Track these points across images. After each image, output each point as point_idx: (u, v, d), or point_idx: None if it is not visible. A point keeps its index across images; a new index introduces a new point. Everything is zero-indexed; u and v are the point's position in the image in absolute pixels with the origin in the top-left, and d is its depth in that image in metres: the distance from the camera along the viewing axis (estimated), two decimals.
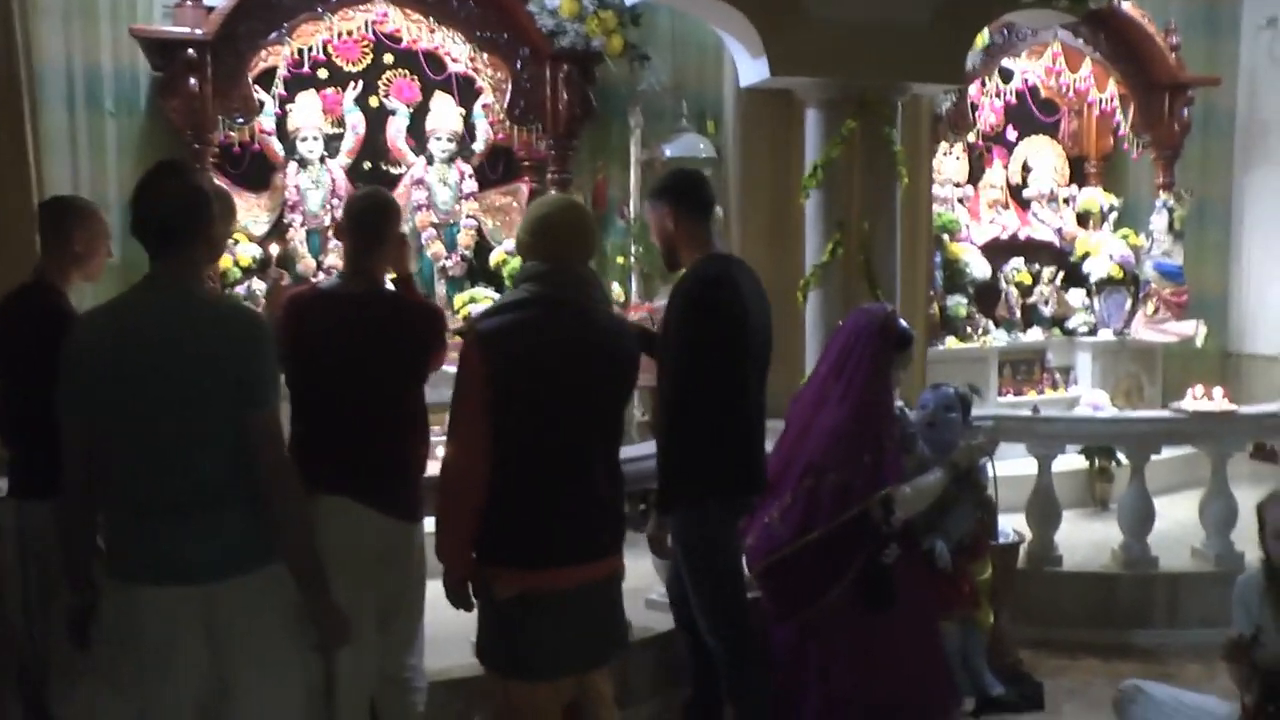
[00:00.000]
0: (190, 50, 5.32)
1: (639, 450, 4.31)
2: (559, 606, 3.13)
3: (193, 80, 5.33)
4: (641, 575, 4.32)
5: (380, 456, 3.38)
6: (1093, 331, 7.31)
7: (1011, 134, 7.62)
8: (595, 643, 3.25)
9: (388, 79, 6.28)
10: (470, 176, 6.28)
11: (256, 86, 5.72)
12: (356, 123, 6.17)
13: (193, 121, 5.40)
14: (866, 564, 4.25)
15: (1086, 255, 7.43)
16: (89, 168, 5.71)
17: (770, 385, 4.50)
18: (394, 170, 6.33)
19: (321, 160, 6.07)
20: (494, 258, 6.28)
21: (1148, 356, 7.39)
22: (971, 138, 7.37)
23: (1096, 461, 6.50)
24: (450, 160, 6.25)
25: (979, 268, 7.05)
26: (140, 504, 2.65)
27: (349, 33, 5.92)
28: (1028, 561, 5.50)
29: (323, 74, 6.13)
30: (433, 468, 3.36)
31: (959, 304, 6.86)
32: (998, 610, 4.95)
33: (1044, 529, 5.53)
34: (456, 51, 5.92)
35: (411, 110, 6.29)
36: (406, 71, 6.29)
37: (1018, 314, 7.25)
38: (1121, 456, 6.19)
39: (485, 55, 5.86)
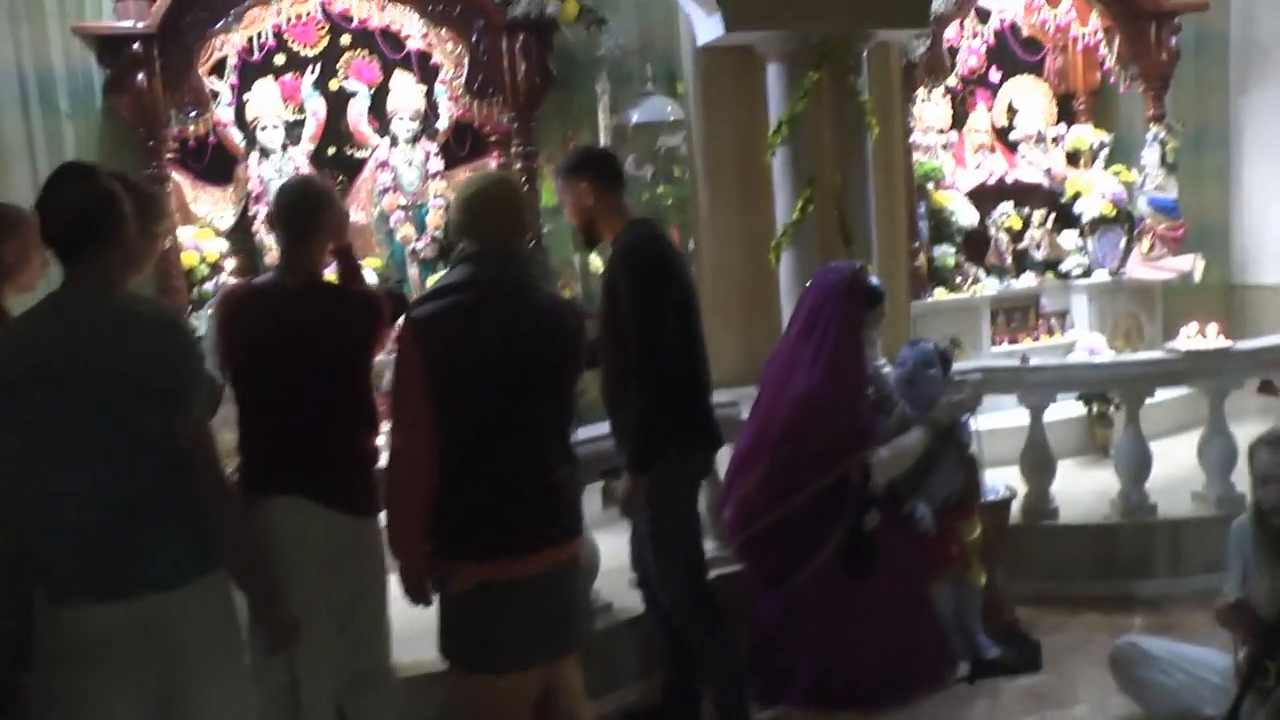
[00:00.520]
0: (135, 45, 5.18)
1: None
2: (518, 596, 3.08)
3: (140, 75, 5.18)
4: (622, 555, 4.25)
5: (328, 452, 3.29)
6: (1087, 273, 7.12)
7: (995, 75, 7.40)
8: (557, 631, 3.19)
9: (346, 60, 6.12)
10: (436, 155, 6.13)
11: (212, 77, 5.60)
12: (317, 108, 6.02)
13: (144, 118, 5.27)
14: (848, 530, 4.16)
15: (1078, 195, 7.23)
16: (49, 172, 5.57)
17: (746, 350, 4.44)
18: (359, 154, 6.19)
19: (284, 148, 5.95)
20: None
21: (1146, 295, 7.20)
22: (952, 82, 7.17)
23: (1095, 407, 6.36)
24: (414, 140, 6.10)
25: (966, 215, 6.88)
26: (75, 521, 2.57)
27: (299, 16, 5.76)
28: (1023, 516, 5.38)
29: (280, 60, 5.99)
30: (385, 459, 3.28)
31: (946, 254, 6.70)
32: (991, 569, 4.84)
33: (1039, 482, 5.41)
34: (410, 28, 5.77)
35: (373, 91, 6.15)
36: (365, 51, 6.13)
37: (1009, 260, 7.08)
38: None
39: (440, 30, 5.69)
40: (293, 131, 6.00)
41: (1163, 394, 6.12)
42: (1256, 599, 3.69)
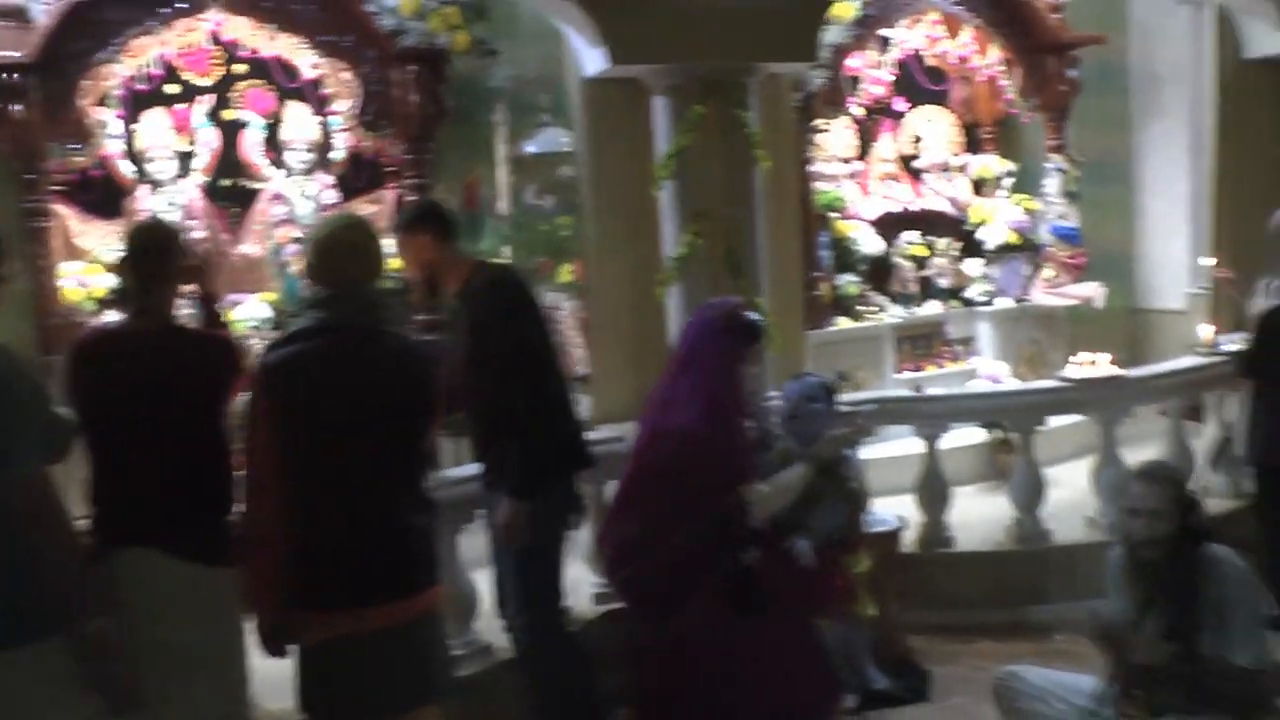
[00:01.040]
0: (13, 75, 5.07)
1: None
2: (370, 647, 3.03)
3: (18, 106, 5.08)
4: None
5: (177, 501, 3.20)
6: (991, 300, 7.19)
7: (901, 105, 7.47)
8: (413, 682, 3.13)
9: (241, 90, 6.05)
10: (332, 187, 6.07)
11: (101, 108, 5.49)
12: (209, 139, 5.94)
13: (22, 150, 5.15)
14: (728, 568, 4.12)
15: (982, 223, 7.31)
16: None
17: (635, 383, 4.42)
18: (255, 185, 6.11)
19: (175, 180, 5.85)
20: None
21: (1050, 321, 7.29)
22: (859, 111, 7.23)
23: (997, 433, 6.40)
24: (309, 171, 6.04)
25: (870, 244, 6.92)
26: None
27: (189, 46, 5.67)
28: (919, 545, 5.40)
29: (173, 89, 5.90)
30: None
31: (849, 283, 6.72)
32: (882, 600, 4.83)
33: (934, 510, 5.43)
34: (301, 58, 5.70)
35: (268, 122, 6.07)
36: (260, 81, 6.07)
37: (913, 288, 7.12)
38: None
39: (332, 60, 5.62)
40: (185, 163, 5.92)
41: (1062, 419, 6.19)
42: (1125, 628, 3.72)
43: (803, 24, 5.05)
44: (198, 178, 5.93)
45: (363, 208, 6.20)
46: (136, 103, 5.75)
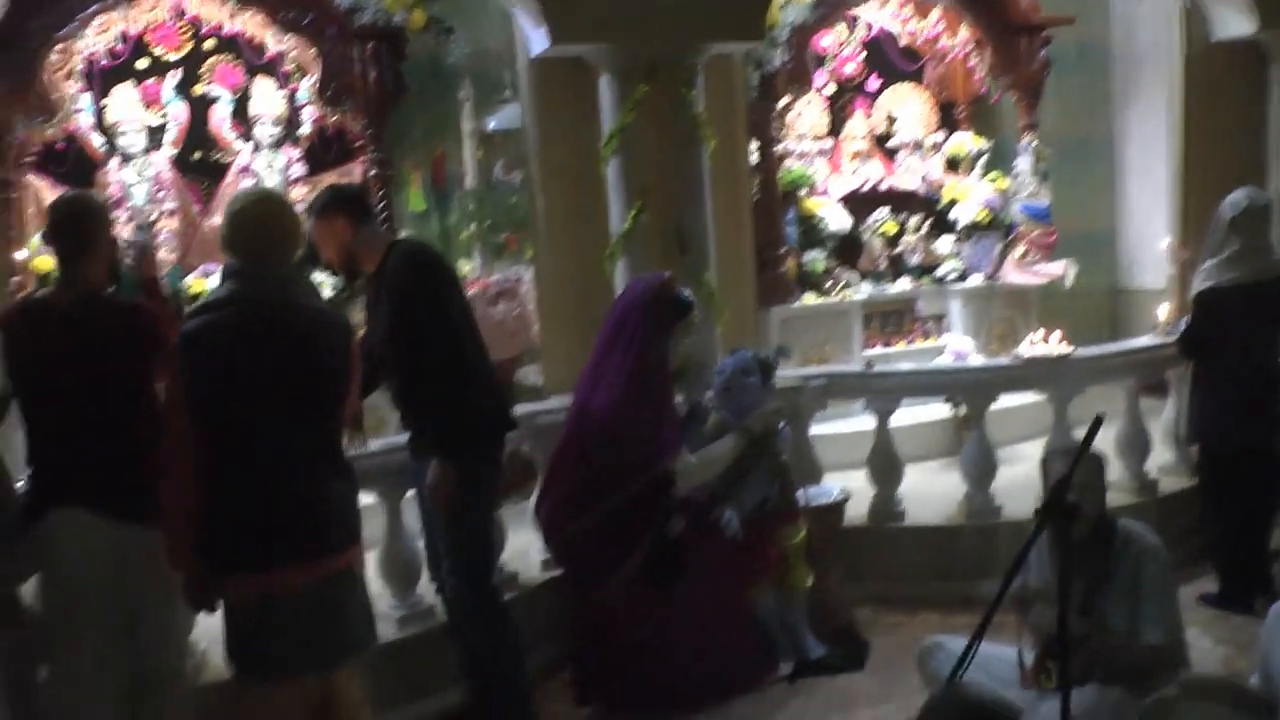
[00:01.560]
0: None
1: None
2: (288, 606, 3.13)
3: None
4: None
5: (106, 463, 3.34)
6: (963, 278, 7.19)
7: (875, 83, 7.47)
8: (332, 641, 3.24)
9: (210, 65, 6.14)
10: (299, 161, 6.15)
11: (69, 81, 5.59)
12: (178, 113, 6.04)
13: None
14: (654, 538, 4.21)
15: (954, 201, 7.31)
16: None
17: (583, 357, 4.49)
18: (224, 159, 6.21)
19: (145, 153, 5.95)
20: None
21: (1021, 299, 7.28)
22: (831, 89, 7.24)
23: (963, 409, 6.42)
24: (277, 145, 6.13)
25: (838, 221, 6.94)
26: None
27: (154, 23, 5.75)
28: (870, 518, 5.45)
29: (143, 64, 6.00)
30: None
31: (816, 259, 6.75)
32: (824, 571, 4.89)
33: (885, 485, 5.47)
34: (267, 34, 5.77)
35: (237, 96, 6.16)
36: (229, 56, 6.15)
37: (883, 265, 7.14)
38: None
39: (293, 36, 5.69)
40: (154, 136, 6.02)
41: (1019, 399, 6.22)
42: (1045, 600, 3.78)
43: (748, 4, 5.07)
44: (168, 151, 6.03)
45: (330, 181, 6.30)
46: (107, 77, 5.85)
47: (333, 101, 5.71)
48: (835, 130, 7.36)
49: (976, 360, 6.55)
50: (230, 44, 6.09)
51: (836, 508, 5.04)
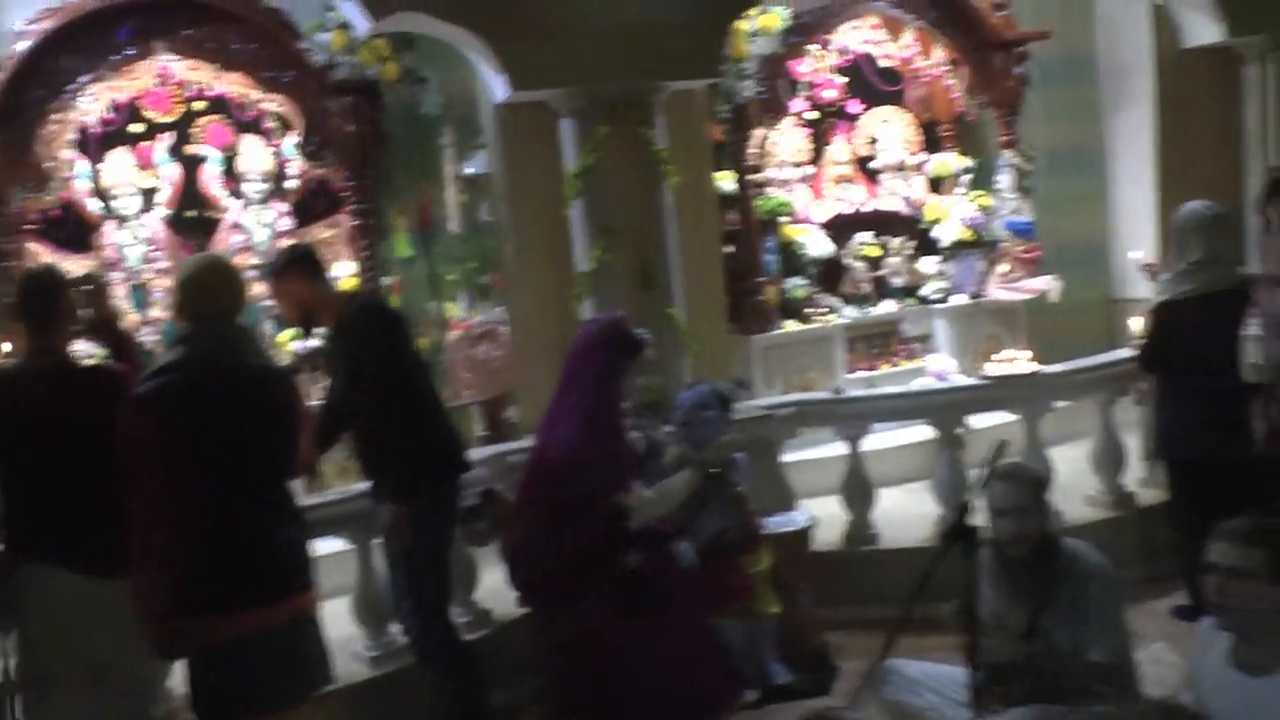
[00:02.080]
0: None
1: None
2: (244, 651, 3.30)
3: None
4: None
5: (76, 520, 3.53)
6: (947, 297, 7.26)
7: (857, 107, 7.57)
8: (286, 683, 3.41)
9: (203, 125, 6.38)
10: (287, 214, 6.37)
11: (65, 149, 5.85)
12: (170, 174, 6.28)
13: None
14: (617, 571, 4.33)
15: (936, 221, 7.38)
16: None
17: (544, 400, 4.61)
18: (215, 216, 6.43)
19: (139, 214, 6.20)
20: None
21: (1008, 316, 7.32)
22: (811, 115, 7.35)
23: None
24: (265, 200, 6.35)
25: (819, 247, 7.03)
26: None
27: (140, 89, 6.00)
28: (844, 542, 5.53)
29: (137, 128, 6.25)
30: None
31: (797, 286, 6.85)
32: (792, 597, 4.98)
33: (858, 509, 5.55)
34: (248, 94, 6.00)
35: (228, 155, 6.40)
36: (220, 115, 6.39)
37: (867, 288, 7.22)
38: (969, 422, 6.15)
39: (276, 94, 5.92)
40: (148, 197, 6.26)
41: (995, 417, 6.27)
42: (988, 624, 3.84)
43: (703, 42, 5.22)
44: (161, 211, 6.27)
45: (319, 232, 6.53)
46: (102, 142, 6.11)
47: (315, 155, 5.93)
48: (817, 156, 7.45)
49: (958, 380, 6.61)
50: (219, 104, 6.33)
51: (802, 534, 5.13)
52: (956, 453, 6.55)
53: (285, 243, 6.28)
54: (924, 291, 7.26)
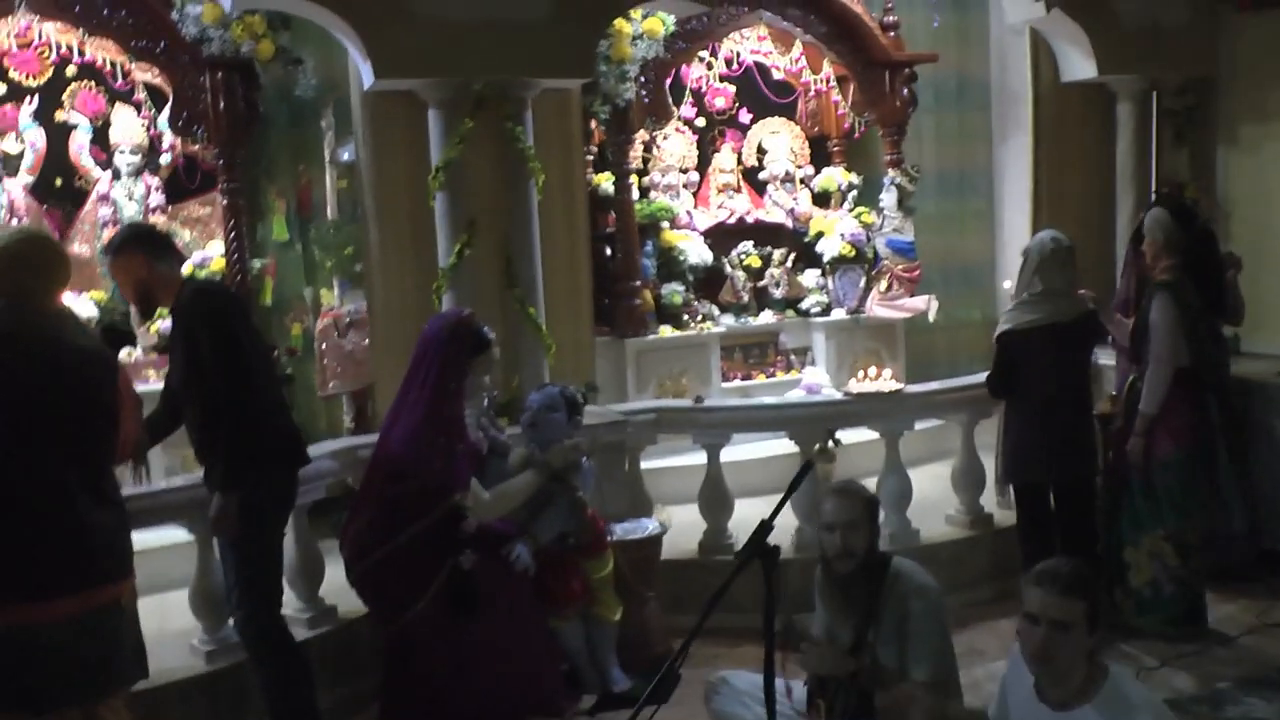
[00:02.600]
0: None
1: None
2: (49, 639, 3.17)
3: None
4: None
5: None
6: (827, 311, 7.33)
7: (747, 117, 7.61)
8: (96, 673, 3.27)
9: (72, 91, 6.20)
10: (158, 189, 6.22)
11: None
12: (35, 139, 6.10)
13: None
14: (450, 571, 4.28)
15: (820, 235, 7.45)
16: None
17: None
18: (84, 186, 6.26)
19: (1, 180, 6.00)
20: (184, 269, 6.21)
21: (887, 332, 7.42)
22: (700, 122, 7.37)
23: (818, 441, 6.52)
24: (137, 173, 6.19)
25: (698, 254, 7.05)
26: None
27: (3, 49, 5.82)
28: (700, 550, 5.54)
29: (0, 89, 6.05)
30: None
31: (674, 292, 6.86)
32: (639, 603, 4.98)
33: (716, 518, 5.56)
34: (121, 61, 5.84)
35: (98, 124, 6.22)
36: (91, 83, 6.22)
37: (745, 298, 7.26)
38: (839, 435, 6.19)
39: (147, 64, 5.76)
40: (11, 163, 6.07)
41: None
42: (820, 638, 3.89)
43: (576, 41, 5.19)
44: (24, 178, 6.08)
45: (196, 209, 6.40)
46: None
47: (186, 130, 5.77)
48: (704, 163, 7.47)
49: (831, 394, 6.67)
50: (91, 70, 6.15)
51: (653, 541, 5.13)
52: (820, 467, 6.68)
53: (157, 217, 6.18)
54: (804, 305, 7.31)
